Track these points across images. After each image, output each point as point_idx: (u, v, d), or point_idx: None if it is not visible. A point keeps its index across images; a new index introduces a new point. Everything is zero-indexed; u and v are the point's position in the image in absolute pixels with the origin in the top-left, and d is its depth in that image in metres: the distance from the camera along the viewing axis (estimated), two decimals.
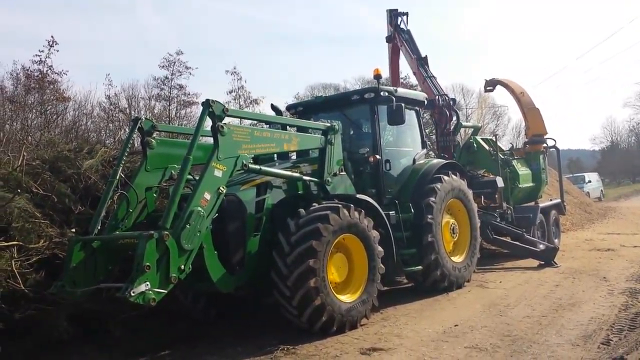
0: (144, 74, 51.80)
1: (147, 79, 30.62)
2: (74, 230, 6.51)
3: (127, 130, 16.25)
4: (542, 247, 11.27)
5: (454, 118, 11.73)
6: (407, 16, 13.61)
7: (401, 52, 13.67)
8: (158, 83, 23.29)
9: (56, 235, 6.38)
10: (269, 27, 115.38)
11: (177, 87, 23.51)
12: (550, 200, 14.25)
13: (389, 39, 14.00)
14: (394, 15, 13.69)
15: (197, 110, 22.43)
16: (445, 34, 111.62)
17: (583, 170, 52.50)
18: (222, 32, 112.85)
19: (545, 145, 13.62)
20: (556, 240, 13.22)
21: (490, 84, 14.49)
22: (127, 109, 20.77)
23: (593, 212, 22.77)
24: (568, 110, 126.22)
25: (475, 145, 12.63)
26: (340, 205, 6.52)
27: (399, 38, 13.44)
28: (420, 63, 12.69)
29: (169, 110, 23.07)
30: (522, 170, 12.81)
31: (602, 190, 38.35)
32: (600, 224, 19.88)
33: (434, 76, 12.52)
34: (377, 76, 8.29)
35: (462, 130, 13.29)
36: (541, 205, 12.97)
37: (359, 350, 5.72)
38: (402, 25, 13.54)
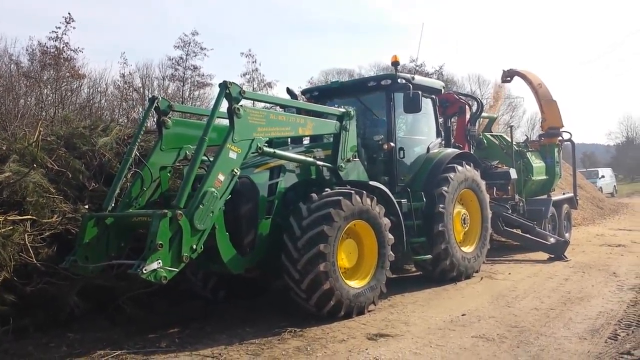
0: (160, 55, 51.77)
1: (161, 59, 30.60)
2: (87, 206, 6.58)
3: (141, 109, 16.35)
4: (552, 240, 11.23)
5: (481, 106, 11.52)
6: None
7: None
8: (173, 63, 23.40)
9: (69, 210, 6.46)
10: (284, 13, 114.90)
11: (192, 68, 23.60)
12: (563, 194, 14.15)
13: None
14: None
15: (211, 91, 22.50)
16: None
17: (597, 165, 52.01)
18: (237, 17, 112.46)
19: (560, 138, 13.50)
20: (567, 234, 13.17)
21: (508, 75, 14.31)
22: (141, 89, 20.84)
23: (605, 207, 22.63)
24: (585, 103, 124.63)
25: (485, 141, 12.52)
26: (352, 191, 6.51)
27: None
28: None
29: (182, 90, 23.15)
30: (536, 163, 12.72)
31: (615, 186, 38.03)
32: (612, 220, 19.76)
33: None
34: (395, 63, 8.23)
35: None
36: (553, 198, 12.88)
37: (366, 335, 5.75)
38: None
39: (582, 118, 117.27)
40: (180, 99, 21.38)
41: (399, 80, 8.13)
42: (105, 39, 68.88)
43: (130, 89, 18.71)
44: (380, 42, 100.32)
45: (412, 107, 7.91)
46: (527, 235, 11.26)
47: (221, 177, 5.55)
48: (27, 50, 16.99)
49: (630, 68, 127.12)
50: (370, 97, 8.57)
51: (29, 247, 5.84)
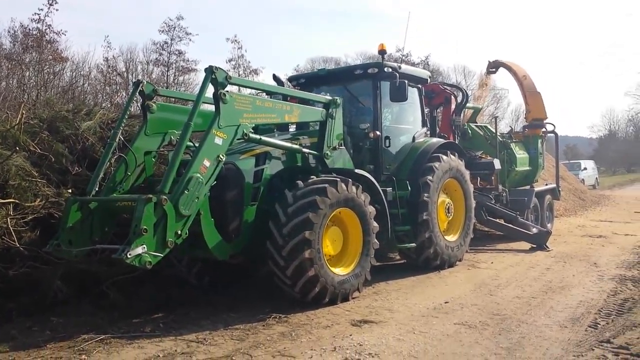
0: (144, 39, 51.18)
1: (146, 43, 30.25)
2: (70, 190, 6.52)
3: (124, 94, 16.16)
4: (535, 230, 11.35)
5: (466, 97, 11.53)
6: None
7: None
8: (157, 48, 23.11)
9: (52, 194, 6.40)
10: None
11: (177, 52, 23.34)
12: (546, 185, 14.32)
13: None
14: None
15: (196, 77, 22.26)
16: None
17: (579, 157, 52.56)
18: (223, 3, 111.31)
19: (544, 129, 13.63)
20: (549, 225, 13.32)
21: (493, 66, 14.41)
22: (125, 73, 20.61)
23: (587, 199, 22.91)
24: (573, 99, 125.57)
25: (470, 131, 12.59)
26: (338, 179, 6.52)
27: None
28: None
29: (167, 76, 22.92)
30: (520, 154, 12.83)
31: (597, 178, 38.46)
32: (594, 211, 20.00)
33: None
34: (382, 51, 8.20)
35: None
36: (536, 189, 13.03)
37: (350, 321, 5.79)
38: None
39: (565, 111, 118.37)
40: (165, 84, 21.17)
41: (385, 69, 8.12)
42: (89, 22, 67.81)
43: (114, 73, 18.48)
44: (366, 31, 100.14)
45: (398, 96, 7.91)
46: (510, 225, 11.38)
47: (207, 163, 5.52)
48: (9, 32, 16.78)
49: (630, 68, 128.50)
50: (357, 85, 8.55)
51: (12, 230, 5.80)
